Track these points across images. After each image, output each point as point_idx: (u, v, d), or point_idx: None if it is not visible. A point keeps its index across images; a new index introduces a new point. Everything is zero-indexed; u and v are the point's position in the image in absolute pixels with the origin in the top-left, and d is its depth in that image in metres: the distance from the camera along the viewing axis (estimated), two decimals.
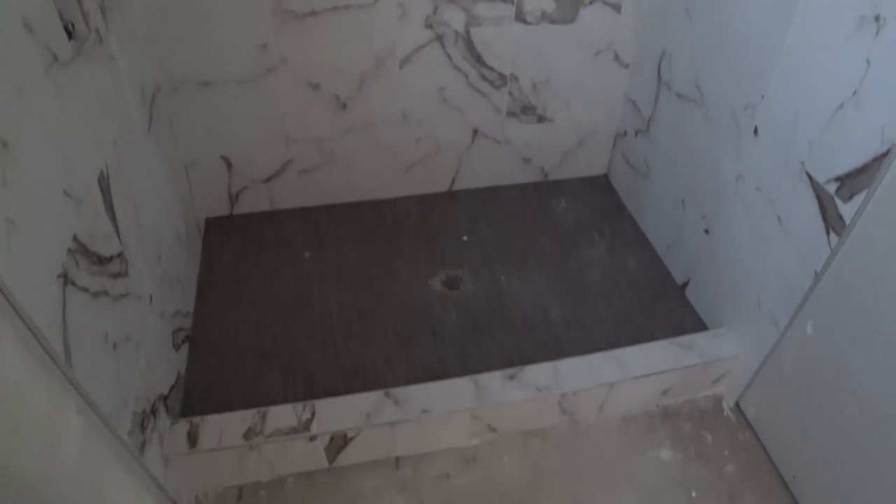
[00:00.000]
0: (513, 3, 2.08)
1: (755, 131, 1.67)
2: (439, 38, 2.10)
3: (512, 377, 1.70)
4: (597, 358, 1.77)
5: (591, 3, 2.14)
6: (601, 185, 2.63)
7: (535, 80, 2.28)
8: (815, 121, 1.46)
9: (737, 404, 1.92)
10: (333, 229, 2.37)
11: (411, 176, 2.46)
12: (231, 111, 2.10)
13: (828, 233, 1.46)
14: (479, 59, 2.18)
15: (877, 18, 1.28)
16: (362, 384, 1.83)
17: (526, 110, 2.35)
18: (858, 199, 1.36)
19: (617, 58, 2.30)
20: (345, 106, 2.18)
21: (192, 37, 1.91)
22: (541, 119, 2.40)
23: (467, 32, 2.11)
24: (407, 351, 1.94)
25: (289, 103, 2.12)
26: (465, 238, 2.33)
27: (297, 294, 2.12)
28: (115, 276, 1.39)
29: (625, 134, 2.46)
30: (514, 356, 1.91)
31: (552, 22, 2.15)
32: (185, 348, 1.92)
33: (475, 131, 2.37)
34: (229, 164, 2.25)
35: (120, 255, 1.43)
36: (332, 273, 2.20)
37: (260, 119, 2.15)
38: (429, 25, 2.07)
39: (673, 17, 2.00)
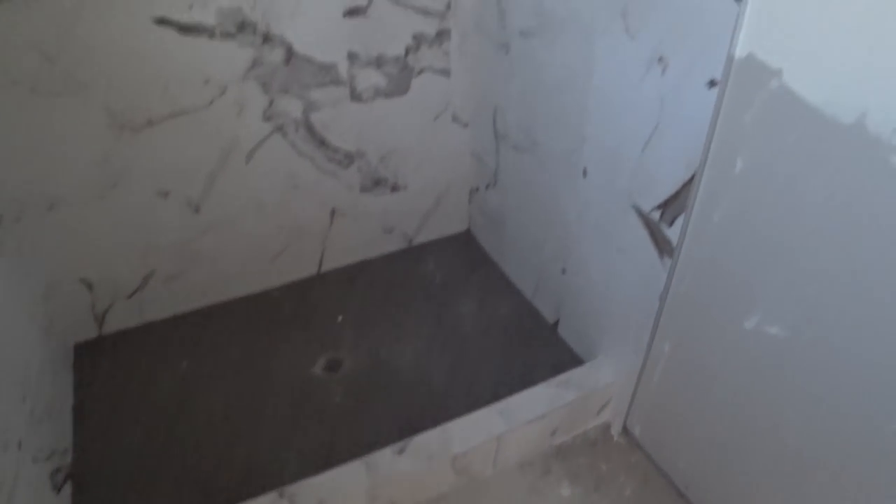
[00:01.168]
0: (346, 84, 2.15)
1: (584, 172, 1.79)
2: (280, 129, 2.14)
3: (401, 451, 1.71)
4: (481, 414, 1.81)
5: (420, 73, 2.25)
6: (465, 241, 2.72)
7: (382, 153, 2.35)
8: (630, 157, 1.59)
9: (624, 428, 2.00)
10: (208, 332, 2.33)
11: (278, 265, 2.46)
12: (82, 231, 2.04)
13: (661, 257, 1.58)
14: (323, 143, 2.23)
15: (660, 60, 1.42)
16: (259, 484, 1.79)
17: (378, 183, 2.42)
18: (679, 223, 1.49)
19: (456, 118, 2.41)
20: (198, 208, 2.17)
21: (30, 162, 1.86)
22: (394, 188, 2.46)
23: (306, 119, 2.16)
24: (297, 443, 1.92)
25: (141, 215, 2.09)
26: (339, 318, 2.34)
27: (178, 405, 2.06)
28: None
29: (477, 189, 2.56)
30: (404, 425, 1.92)
31: (387, 96, 2.24)
32: (67, 488, 1.82)
33: (333, 211, 2.41)
34: (89, 286, 2.18)
35: None
36: (212, 377, 2.15)
37: (113, 235, 2.10)
38: (268, 118, 2.10)
39: (498, 75, 2.13)
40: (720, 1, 1.23)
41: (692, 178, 1.41)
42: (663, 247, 1.56)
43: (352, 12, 2.03)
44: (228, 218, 2.24)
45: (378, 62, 2.15)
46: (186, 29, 1.87)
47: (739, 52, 1.24)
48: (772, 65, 1.19)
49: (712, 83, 1.30)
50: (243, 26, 1.93)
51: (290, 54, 2.03)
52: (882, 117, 1.05)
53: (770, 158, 1.26)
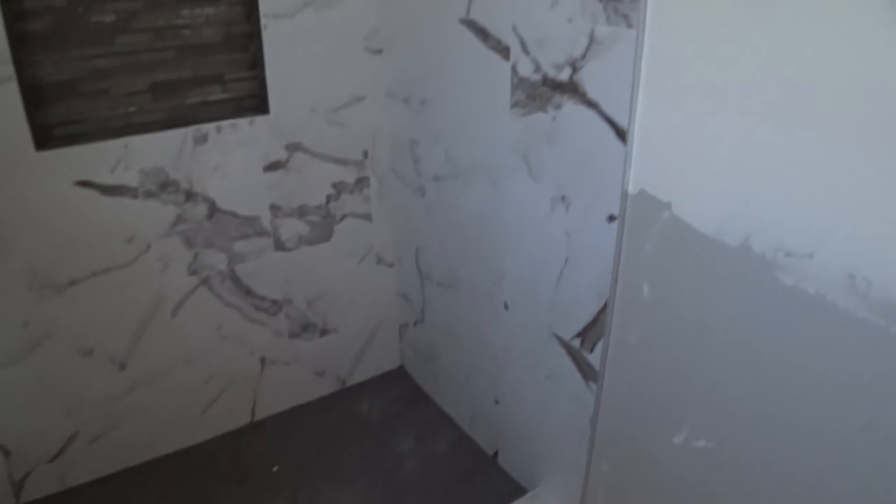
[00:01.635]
0: (270, 235, 2.21)
1: (506, 306, 1.86)
2: (206, 282, 2.16)
3: None
4: None
5: (342, 219, 2.33)
6: (399, 377, 2.72)
7: (309, 298, 2.39)
8: (546, 289, 1.66)
9: None
10: (137, 494, 2.22)
11: (210, 417, 2.40)
12: None
13: (586, 382, 1.63)
14: (249, 293, 2.25)
15: (563, 199, 1.53)
16: None
17: (307, 328, 2.43)
18: (599, 349, 1.55)
19: (380, 260, 2.48)
20: (124, 365, 2.13)
21: None
22: (323, 332, 2.48)
23: (232, 270, 2.19)
24: None
25: (63, 375, 2.03)
26: (275, 468, 2.28)
27: None
28: None
29: (406, 326, 2.60)
30: None
31: (311, 243, 2.30)
32: None
33: (262, 359, 2.40)
34: (6, 452, 2.07)
35: None
36: None
37: (33, 398, 2.03)
38: (193, 272, 2.13)
39: (417, 217, 2.23)
40: (609, 143, 1.36)
41: (605, 306, 1.49)
42: (587, 372, 1.61)
43: (272, 166, 2.13)
44: (156, 373, 2.20)
45: (300, 212, 2.23)
46: (109, 190, 1.91)
47: (632, 189, 1.35)
48: (661, 198, 1.30)
49: (612, 218, 1.40)
50: (166, 185, 1.98)
51: (213, 209, 2.08)
52: (764, 238, 1.15)
53: (672, 283, 1.35)
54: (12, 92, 1.70)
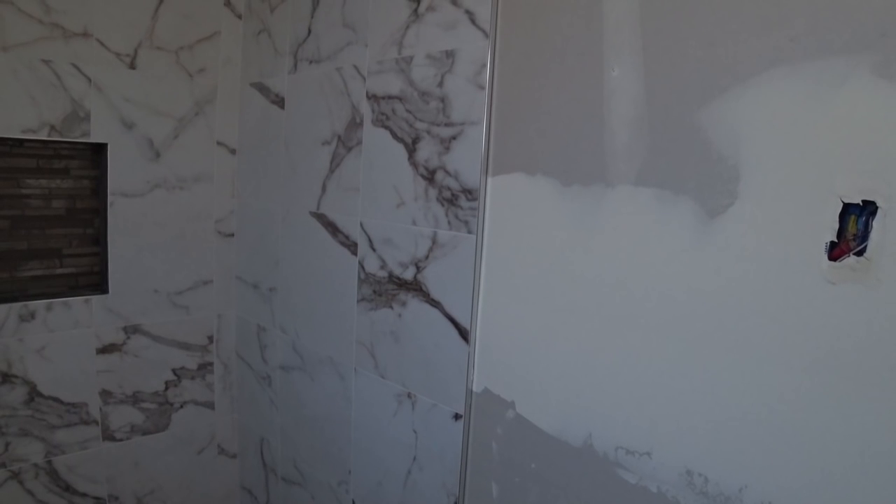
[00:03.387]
0: (97, 423, 2.02)
1: None
2: (16, 476, 1.92)
3: None
4: None
5: (182, 407, 2.17)
6: None
7: (140, 495, 2.16)
8: (395, 489, 1.59)
9: None
10: None
11: None
12: None
13: None
14: (68, 489, 2.01)
15: (409, 395, 1.49)
16: None
17: None
18: None
19: (222, 450, 2.31)
20: None
21: None
22: None
23: (49, 463, 1.96)
24: None
25: None
26: None
27: None
28: None
29: None
30: None
31: (145, 433, 2.12)
32: None
33: None
34: None
35: None
36: None
37: None
38: (1, 464, 1.88)
39: (263, 406, 2.11)
40: (452, 341, 1.36)
41: None
42: None
43: (106, 349, 1.99)
44: None
45: (135, 399, 2.07)
46: None
47: (476, 387, 1.34)
48: (505, 398, 1.30)
49: (457, 416, 1.38)
50: None
51: (33, 394, 1.90)
52: (604, 437, 1.16)
53: (520, 482, 1.31)
54: None
